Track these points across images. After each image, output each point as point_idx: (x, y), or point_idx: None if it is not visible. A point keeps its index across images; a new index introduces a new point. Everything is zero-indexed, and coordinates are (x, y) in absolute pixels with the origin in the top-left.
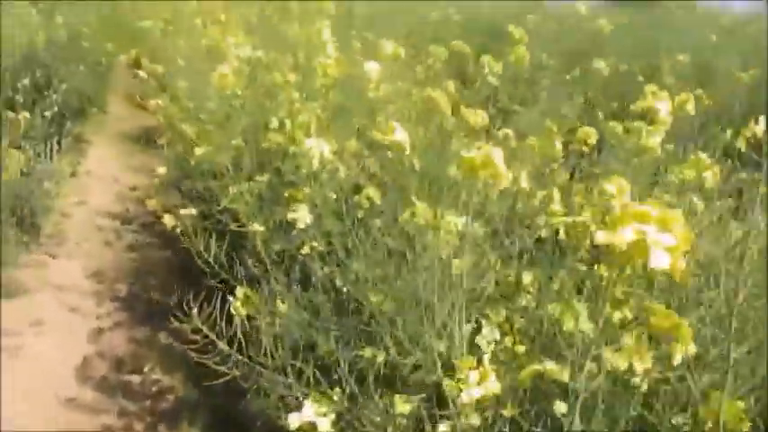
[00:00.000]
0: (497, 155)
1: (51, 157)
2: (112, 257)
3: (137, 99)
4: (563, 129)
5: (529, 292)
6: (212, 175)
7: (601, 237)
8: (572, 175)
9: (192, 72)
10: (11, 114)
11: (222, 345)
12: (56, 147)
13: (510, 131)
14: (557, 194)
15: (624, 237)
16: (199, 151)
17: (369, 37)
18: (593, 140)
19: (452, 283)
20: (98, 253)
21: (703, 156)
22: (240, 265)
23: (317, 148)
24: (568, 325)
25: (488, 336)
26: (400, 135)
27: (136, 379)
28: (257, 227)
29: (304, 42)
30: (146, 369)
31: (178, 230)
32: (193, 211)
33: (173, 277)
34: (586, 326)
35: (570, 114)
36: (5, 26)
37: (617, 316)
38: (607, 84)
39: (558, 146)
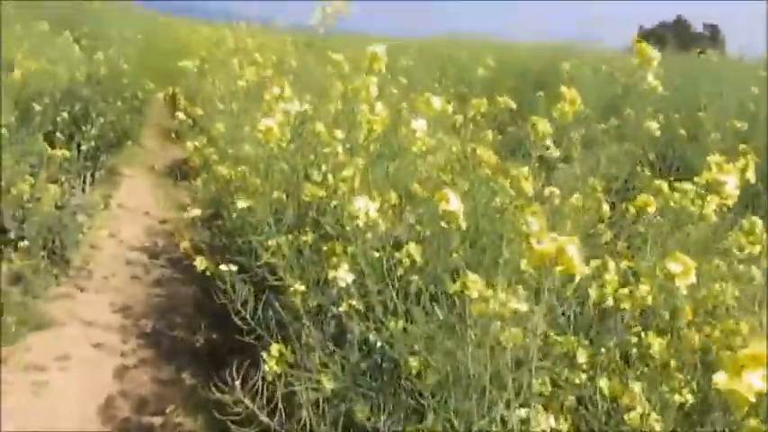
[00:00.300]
0: (571, 248)
1: (85, 189)
2: (139, 292)
3: (170, 133)
4: (608, 187)
5: (583, 370)
6: (252, 228)
7: (722, 382)
8: (617, 236)
9: (230, 115)
10: (51, 151)
11: (263, 417)
12: (89, 179)
13: (555, 189)
14: (611, 264)
15: (753, 385)
16: (240, 204)
17: (405, 82)
18: (652, 209)
19: (506, 362)
20: (125, 287)
21: (757, 221)
22: (274, 317)
23: (364, 209)
24: (633, 419)
25: (543, 424)
26: (455, 205)
27: (158, 420)
28: (298, 286)
29: (350, 96)
30: (168, 410)
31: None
32: (233, 267)
33: (198, 315)
34: (654, 418)
35: (616, 172)
36: (48, 61)
37: (677, 399)
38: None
39: (606, 207)
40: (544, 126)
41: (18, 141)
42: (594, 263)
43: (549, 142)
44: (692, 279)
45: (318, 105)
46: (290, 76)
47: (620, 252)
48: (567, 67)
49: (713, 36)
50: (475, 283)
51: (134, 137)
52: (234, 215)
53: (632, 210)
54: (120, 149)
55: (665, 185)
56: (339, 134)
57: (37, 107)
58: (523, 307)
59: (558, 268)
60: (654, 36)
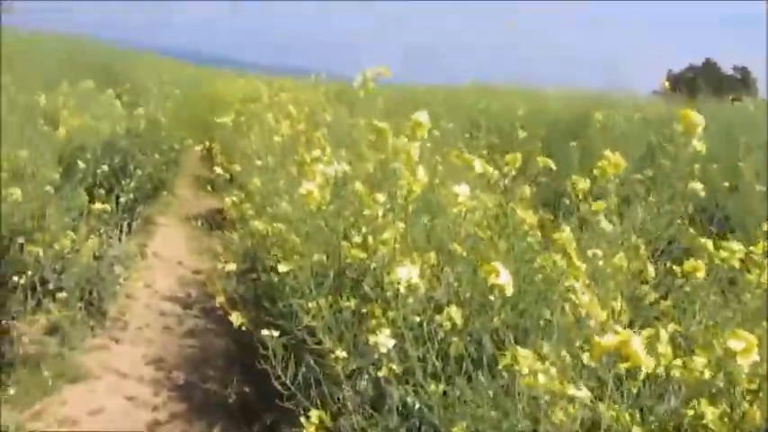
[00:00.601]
0: (636, 342)
1: (121, 239)
2: (173, 344)
3: (205, 183)
4: (650, 245)
5: None
6: (292, 290)
7: None
8: (665, 296)
9: (266, 170)
10: (92, 206)
11: None
12: (126, 228)
13: (597, 251)
14: (664, 334)
15: None
16: (282, 268)
17: (437, 134)
18: (701, 274)
19: None
20: (159, 338)
21: None
22: (311, 376)
23: (407, 277)
24: None
25: None
26: (504, 278)
27: None
28: (339, 352)
29: (391, 159)
30: None
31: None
32: (275, 332)
33: (230, 367)
34: None
35: (658, 229)
36: (92, 118)
37: None
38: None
39: (651, 268)
40: (580, 182)
41: (63, 197)
42: (646, 333)
43: (602, 218)
44: (755, 357)
45: (354, 160)
46: (324, 129)
47: (666, 312)
48: (600, 117)
49: (744, 79)
50: (525, 358)
51: (169, 187)
52: (270, 273)
53: (678, 271)
54: (155, 199)
55: (710, 244)
56: (380, 197)
57: (81, 164)
58: (580, 393)
59: (624, 365)
60: (683, 80)
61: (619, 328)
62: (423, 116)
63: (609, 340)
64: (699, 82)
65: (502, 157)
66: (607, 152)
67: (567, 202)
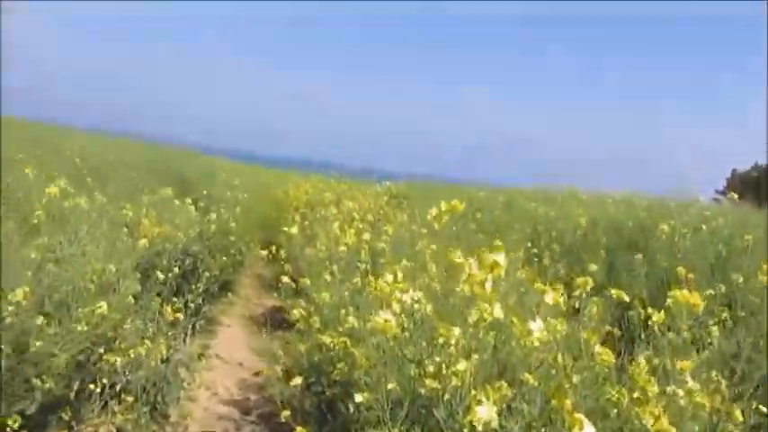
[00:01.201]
0: None
1: (185, 340)
2: None
3: (267, 282)
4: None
5: None
6: (367, 421)
7: None
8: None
9: (332, 281)
10: (165, 312)
11: None
12: (190, 329)
13: (678, 390)
14: None
15: None
16: (359, 398)
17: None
18: None
19: None
20: None
21: None
22: None
23: (487, 418)
24: None
25: None
26: (588, 430)
27: None
28: None
29: (466, 289)
30: None
31: None
32: None
33: None
34: None
35: (739, 362)
36: (171, 225)
37: None
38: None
39: (738, 412)
40: (658, 317)
41: (142, 306)
42: None
43: (689, 379)
44: None
45: (420, 276)
46: (387, 237)
47: None
48: (666, 229)
49: None
50: None
51: (234, 288)
52: (335, 386)
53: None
54: (220, 299)
55: None
56: (455, 329)
57: (160, 274)
58: None
59: None
60: (748, 182)
61: None
62: (500, 257)
63: None
64: (762, 181)
65: (566, 269)
66: (684, 292)
67: (636, 319)
